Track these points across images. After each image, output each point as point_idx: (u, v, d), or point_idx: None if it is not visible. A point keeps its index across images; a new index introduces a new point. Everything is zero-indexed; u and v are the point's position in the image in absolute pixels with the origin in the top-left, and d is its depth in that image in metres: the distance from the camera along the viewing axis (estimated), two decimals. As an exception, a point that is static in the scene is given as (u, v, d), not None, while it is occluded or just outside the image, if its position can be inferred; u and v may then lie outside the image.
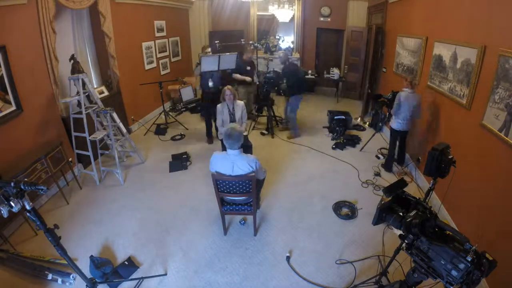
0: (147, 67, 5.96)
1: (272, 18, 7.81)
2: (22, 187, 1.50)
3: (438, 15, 3.44)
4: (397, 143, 4.03)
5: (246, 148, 3.64)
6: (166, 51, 6.71)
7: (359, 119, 6.06)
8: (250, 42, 7.08)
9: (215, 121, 4.23)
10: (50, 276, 2.41)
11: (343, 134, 5.21)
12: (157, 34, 6.26)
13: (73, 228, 3.06)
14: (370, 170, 4.13)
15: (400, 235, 1.57)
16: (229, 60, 4.82)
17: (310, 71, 7.78)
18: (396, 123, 3.83)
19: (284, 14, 7.12)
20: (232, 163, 2.56)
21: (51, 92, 3.62)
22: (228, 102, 3.78)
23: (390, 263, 2.28)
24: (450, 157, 2.00)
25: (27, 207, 1.56)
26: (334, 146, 4.88)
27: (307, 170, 4.19)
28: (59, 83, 3.73)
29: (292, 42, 8.01)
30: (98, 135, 3.79)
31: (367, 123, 5.85)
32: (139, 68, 5.75)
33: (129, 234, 3.01)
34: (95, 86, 4.70)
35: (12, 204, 1.48)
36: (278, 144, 5.10)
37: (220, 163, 2.59)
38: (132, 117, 5.55)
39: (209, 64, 4.64)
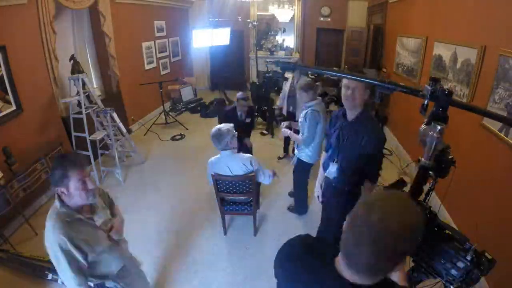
0: (147, 67, 5.96)
1: (272, 17, 7.80)
2: None
3: (438, 15, 3.43)
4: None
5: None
6: (166, 51, 6.71)
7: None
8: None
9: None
10: (50, 276, 2.41)
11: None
12: (157, 34, 6.26)
13: (73, 228, 3.05)
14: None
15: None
16: (222, 35, 4.66)
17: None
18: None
19: (284, 14, 7.13)
20: (226, 164, 2.55)
21: (51, 92, 3.62)
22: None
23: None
24: (450, 157, 2.00)
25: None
26: (334, 146, 4.86)
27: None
28: (59, 83, 3.73)
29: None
30: (98, 135, 3.79)
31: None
32: (139, 68, 5.75)
33: (128, 234, 2.99)
34: (95, 86, 4.70)
35: None
36: (278, 143, 5.09)
37: (216, 167, 2.58)
38: (132, 117, 5.55)
39: (202, 39, 4.48)
